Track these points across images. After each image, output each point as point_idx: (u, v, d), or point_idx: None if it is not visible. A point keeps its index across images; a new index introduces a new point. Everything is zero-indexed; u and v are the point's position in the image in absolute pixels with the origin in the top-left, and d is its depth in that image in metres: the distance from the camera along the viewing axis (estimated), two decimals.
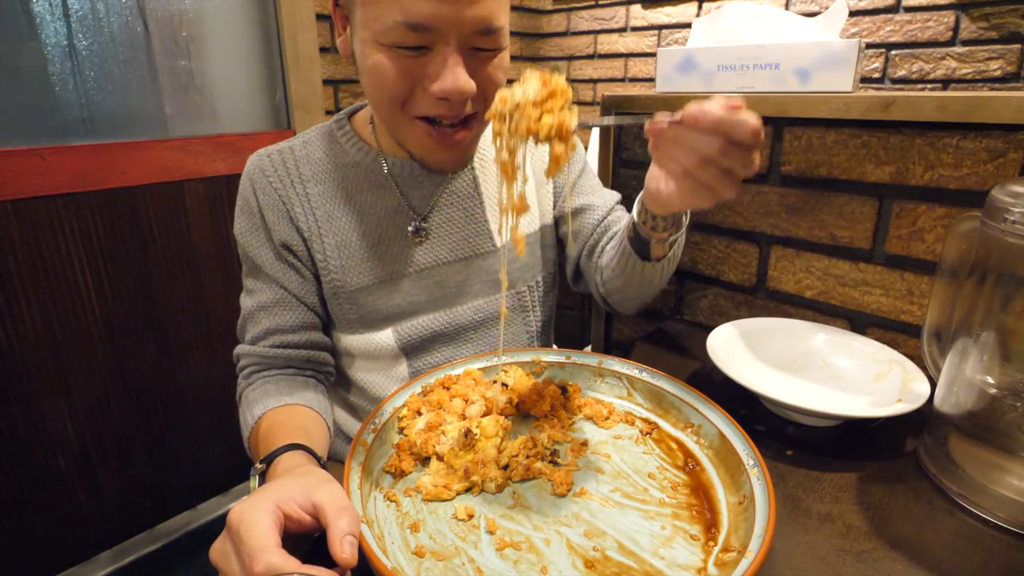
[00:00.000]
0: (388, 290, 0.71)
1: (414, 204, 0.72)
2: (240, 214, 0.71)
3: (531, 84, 0.47)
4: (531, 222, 0.79)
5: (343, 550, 0.37)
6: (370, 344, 0.72)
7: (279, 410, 0.62)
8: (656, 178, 0.55)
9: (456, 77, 0.56)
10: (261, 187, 0.69)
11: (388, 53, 0.56)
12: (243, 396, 0.69)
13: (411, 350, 0.73)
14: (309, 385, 0.69)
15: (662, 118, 0.48)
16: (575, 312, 1.74)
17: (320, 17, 1.60)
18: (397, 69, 0.56)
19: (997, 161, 0.69)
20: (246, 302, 0.71)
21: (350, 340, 0.73)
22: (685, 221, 0.65)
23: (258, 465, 0.52)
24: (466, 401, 0.59)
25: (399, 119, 0.62)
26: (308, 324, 0.71)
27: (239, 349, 0.71)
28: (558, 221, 0.84)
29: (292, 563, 0.36)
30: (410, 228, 0.72)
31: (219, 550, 0.39)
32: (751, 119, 0.45)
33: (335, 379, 0.78)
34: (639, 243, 0.67)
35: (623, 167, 1.05)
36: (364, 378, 0.75)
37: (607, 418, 0.61)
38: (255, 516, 0.38)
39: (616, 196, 0.84)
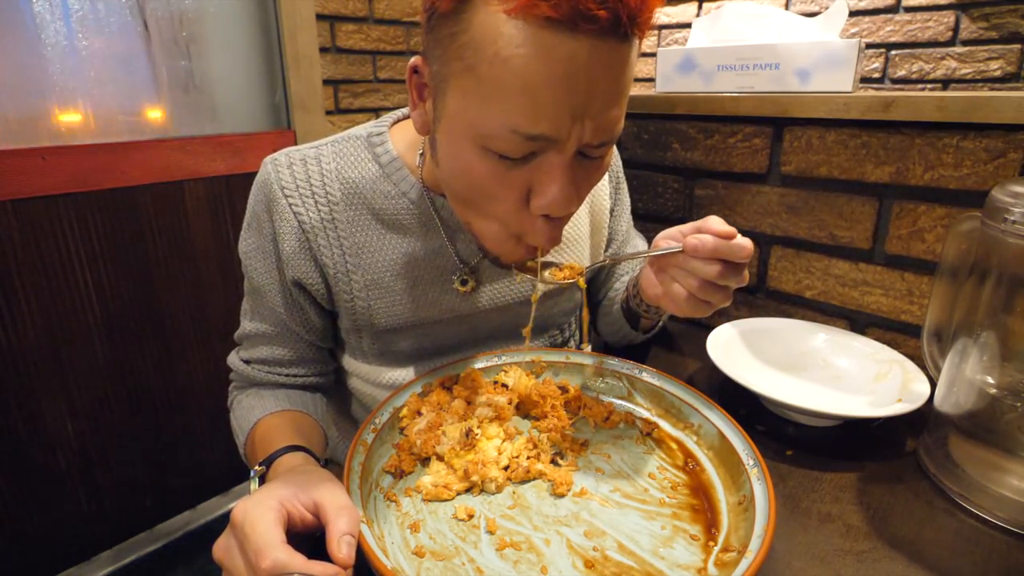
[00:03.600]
0: (416, 333, 0.67)
1: (459, 249, 0.64)
2: (249, 230, 0.63)
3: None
4: (580, 265, 0.73)
5: (340, 550, 0.38)
6: (386, 378, 0.68)
7: (275, 415, 0.62)
8: (656, 285, 0.56)
9: (563, 192, 0.46)
10: (279, 209, 0.60)
11: (486, 158, 0.45)
12: (236, 402, 0.68)
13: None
14: (305, 394, 0.68)
15: (666, 244, 0.52)
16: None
17: (320, 17, 1.60)
18: (495, 176, 0.46)
19: (997, 161, 0.69)
20: (245, 322, 0.68)
21: (364, 370, 0.69)
22: None
23: (258, 467, 0.52)
24: (468, 403, 0.59)
25: (483, 226, 0.53)
26: (306, 359, 0.68)
27: (232, 362, 0.69)
28: (601, 268, 0.81)
29: (297, 559, 0.36)
30: (455, 277, 0.65)
31: (223, 547, 0.39)
32: (745, 243, 0.49)
33: (339, 392, 0.77)
34: (630, 315, 0.74)
35: (623, 167, 1.05)
36: (372, 401, 0.73)
37: (607, 418, 0.61)
38: (259, 513, 0.38)
39: (645, 243, 0.86)
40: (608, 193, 0.76)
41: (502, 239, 0.53)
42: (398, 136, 0.63)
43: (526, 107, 0.41)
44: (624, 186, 0.80)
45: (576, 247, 0.73)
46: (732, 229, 0.49)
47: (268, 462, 0.52)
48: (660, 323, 0.77)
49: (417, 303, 0.65)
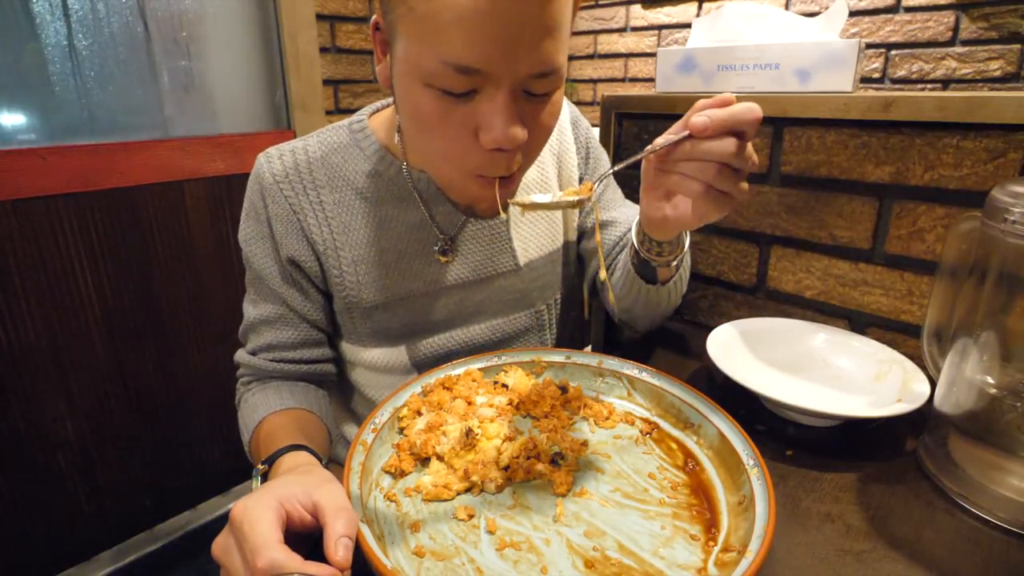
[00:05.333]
0: (405, 308, 0.68)
1: (439, 221, 0.67)
2: (246, 219, 0.67)
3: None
4: (555, 238, 0.76)
5: (337, 552, 0.37)
6: (381, 359, 0.70)
7: (280, 413, 0.62)
8: (661, 205, 0.55)
9: (507, 125, 0.49)
10: (271, 194, 0.64)
11: (432, 95, 0.49)
12: (242, 400, 0.68)
13: (424, 367, 0.71)
14: (310, 390, 0.69)
15: (665, 139, 0.49)
16: (575, 312, 1.74)
17: (320, 17, 1.60)
18: (443, 114, 0.49)
19: (997, 161, 0.69)
20: (249, 310, 0.69)
21: (360, 352, 0.71)
22: (686, 240, 0.64)
23: (260, 466, 0.52)
24: (468, 403, 0.59)
25: (444, 171, 0.57)
26: (310, 341, 0.69)
27: (239, 356, 0.70)
28: (581, 236, 0.81)
29: (294, 560, 0.36)
30: (435, 248, 0.67)
31: (221, 546, 0.40)
32: (751, 105, 0.46)
33: (341, 387, 0.77)
34: (644, 268, 0.67)
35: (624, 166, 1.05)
36: (372, 390, 0.74)
37: (607, 418, 0.60)
38: (258, 512, 0.38)
39: (636, 209, 0.83)
40: (576, 164, 0.78)
41: (464, 183, 0.56)
42: (377, 122, 0.68)
43: (456, 39, 0.45)
44: (598, 156, 0.81)
45: (546, 222, 0.75)
46: (729, 96, 0.46)
47: (271, 460, 0.53)
48: (681, 267, 0.69)
49: (403, 276, 0.67)
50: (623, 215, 0.81)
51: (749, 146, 0.47)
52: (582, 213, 0.80)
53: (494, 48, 0.45)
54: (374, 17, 0.54)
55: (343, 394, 0.79)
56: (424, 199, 0.66)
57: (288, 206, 0.64)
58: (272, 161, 0.65)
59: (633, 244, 0.66)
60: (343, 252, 0.65)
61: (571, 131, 0.78)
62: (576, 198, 0.52)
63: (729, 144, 0.46)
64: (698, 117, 0.46)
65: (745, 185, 0.49)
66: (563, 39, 0.49)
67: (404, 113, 0.54)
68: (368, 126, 0.67)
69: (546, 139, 0.56)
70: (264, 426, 0.61)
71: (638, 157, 0.52)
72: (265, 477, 0.52)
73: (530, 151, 0.55)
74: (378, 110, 0.70)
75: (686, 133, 0.47)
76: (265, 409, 0.63)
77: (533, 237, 0.74)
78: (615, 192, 0.84)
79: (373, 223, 0.66)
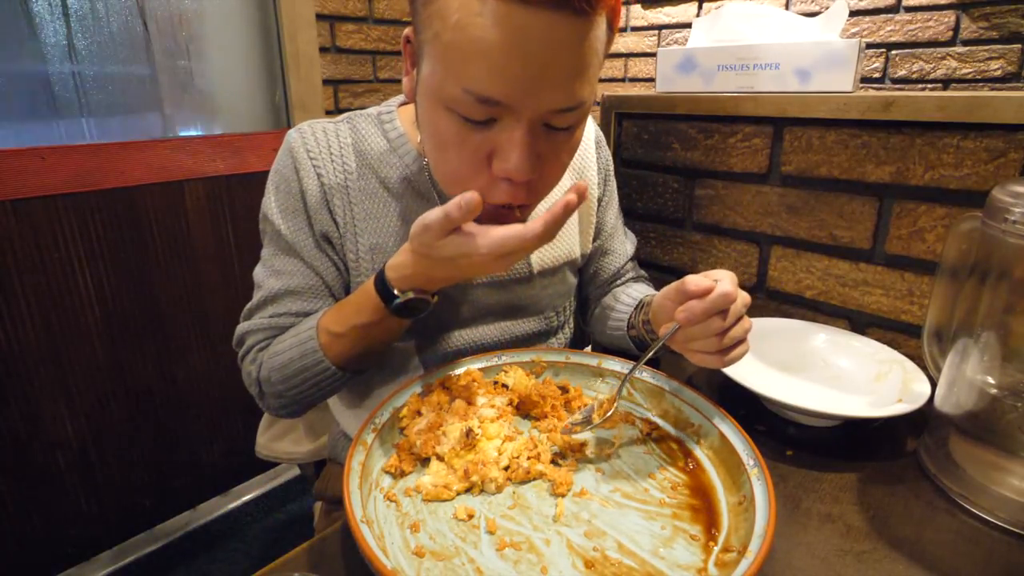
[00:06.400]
0: None
1: None
2: (276, 192, 0.67)
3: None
4: (571, 250, 0.76)
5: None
6: (390, 353, 0.69)
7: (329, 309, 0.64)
8: (690, 357, 0.58)
9: (521, 158, 0.48)
10: (304, 168, 0.65)
11: (451, 119, 0.49)
12: (269, 353, 0.65)
13: (431, 363, 0.71)
14: None
15: (669, 330, 0.54)
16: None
17: (320, 17, 1.60)
18: (459, 138, 0.50)
19: (997, 161, 0.69)
20: (271, 283, 0.67)
21: None
22: None
23: (406, 293, 0.56)
24: (469, 403, 0.59)
25: (454, 191, 0.57)
26: None
27: (253, 324, 0.67)
28: (591, 257, 0.82)
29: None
30: None
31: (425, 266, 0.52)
32: (726, 291, 0.51)
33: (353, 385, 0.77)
34: (640, 342, 0.73)
35: (623, 167, 1.05)
36: (377, 387, 0.73)
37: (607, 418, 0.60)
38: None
39: (633, 244, 0.87)
40: (597, 183, 0.78)
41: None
42: (404, 115, 0.69)
43: (480, 71, 0.45)
44: (613, 182, 0.82)
45: (564, 233, 0.75)
46: (708, 284, 0.52)
47: (380, 278, 0.57)
48: None
49: None
50: (622, 247, 0.84)
51: (737, 306, 0.52)
52: (597, 238, 0.81)
53: (517, 84, 0.45)
54: (406, 30, 0.54)
55: (346, 391, 0.79)
56: (442, 199, 0.66)
57: (319, 183, 0.65)
58: (306, 136, 0.66)
59: (639, 330, 0.72)
60: (361, 239, 0.66)
61: (594, 151, 0.78)
62: (607, 416, 0.56)
63: (714, 324, 0.52)
64: (682, 313, 0.52)
65: (748, 324, 0.55)
66: (592, 76, 0.48)
67: (423, 129, 0.55)
68: (397, 118, 0.68)
69: (560, 175, 0.55)
70: (327, 315, 0.62)
71: (648, 356, 0.57)
72: (395, 301, 0.56)
73: (542, 187, 0.55)
74: (404, 103, 0.70)
75: (677, 326, 0.53)
76: (314, 318, 0.63)
77: (549, 248, 0.73)
78: (616, 219, 0.84)
79: (393, 215, 0.67)
